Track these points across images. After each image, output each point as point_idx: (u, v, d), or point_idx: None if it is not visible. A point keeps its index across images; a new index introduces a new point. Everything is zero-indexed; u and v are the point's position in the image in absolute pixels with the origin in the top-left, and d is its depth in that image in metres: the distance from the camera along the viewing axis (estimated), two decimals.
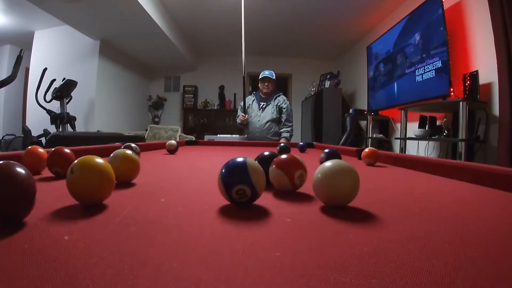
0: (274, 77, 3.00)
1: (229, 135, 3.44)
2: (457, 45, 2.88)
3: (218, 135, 3.53)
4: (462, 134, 2.43)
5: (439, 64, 2.82)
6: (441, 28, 2.76)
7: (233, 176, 0.42)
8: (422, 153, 3.34)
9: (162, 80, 7.11)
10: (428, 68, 3.00)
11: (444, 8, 2.77)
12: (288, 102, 3.00)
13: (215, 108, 6.79)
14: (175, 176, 0.80)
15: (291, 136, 2.95)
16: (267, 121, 2.91)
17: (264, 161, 0.58)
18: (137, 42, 5.05)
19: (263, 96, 3.02)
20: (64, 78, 4.22)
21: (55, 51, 5.07)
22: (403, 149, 3.36)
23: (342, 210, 0.44)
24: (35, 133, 3.98)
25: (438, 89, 2.83)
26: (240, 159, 0.44)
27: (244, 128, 3.05)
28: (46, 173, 0.73)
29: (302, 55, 6.59)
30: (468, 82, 2.53)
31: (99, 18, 4.08)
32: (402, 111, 3.30)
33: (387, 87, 3.93)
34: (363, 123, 4.94)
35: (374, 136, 4.16)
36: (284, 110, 2.92)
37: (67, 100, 4.31)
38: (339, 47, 5.99)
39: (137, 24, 4.20)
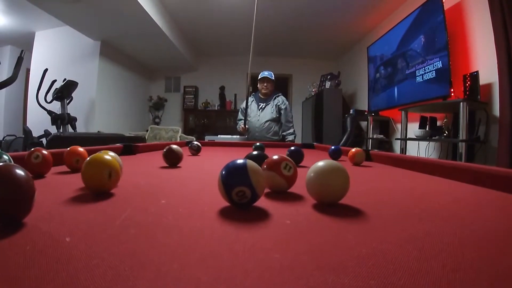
0: (273, 78, 3.00)
1: (230, 136, 3.44)
2: (458, 46, 2.88)
3: (219, 136, 3.53)
4: (462, 134, 2.43)
5: (439, 64, 2.82)
6: (442, 29, 2.76)
7: (233, 177, 0.42)
8: (422, 154, 3.33)
9: (162, 80, 7.12)
10: (428, 68, 3.00)
11: (444, 8, 2.77)
12: (287, 103, 3.00)
13: (216, 108, 6.80)
14: (176, 177, 0.80)
15: (295, 137, 2.96)
16: (266, 121, 2.92)
17: (253, 160, 0.59)
18: (138, 42, 5.05)
19: (262, 97, 3.02)
20: (64, 79, 4.23)
21: (55, 52, 5.08)
22: (403, 149, 3.36)
23: (341, 211, 0.44)
24: (36, 133, 3.99)
25: (439, 89, 2.83)
26: (240, 161, 0.44)
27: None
28: (50, 178, 0.73)
29: (302, 56, 6.59)
30: (469, 83, 2.53)
31: (100, 18, 4.09)
32: (403, 112, 3.30)
33: (388, 88, 3.92)
34: (363, 124, 4.94)
35: (375, 136, 4.16)
36: (283, 110, 2.92)
37: (67, 101, 4.31)
38: (340, 47, 5.98)
39: (137, 25, 4.21)
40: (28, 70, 5.36)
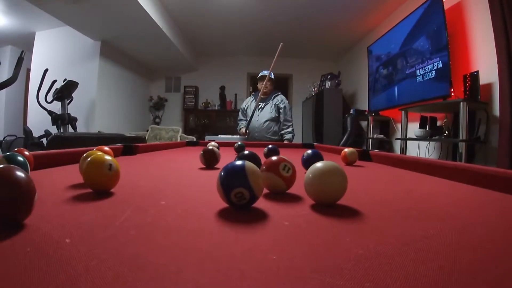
0: (273, 77, 3.01)
1: (230, 136, 3.44)
2: (458, 46, 2.88)
3: (219, 136, 3.54)
4: (462, 134, 2.43)
5: (439, 64, 2.82)
6: (442, 29, 2.76)
7: (232, 179, 0.42)
8: (422, 154, 3.33)
9: (162, 80, 7.12)
10: (428, 68, 3.00)
11: (445, 8, 2.77)
12: (286, 102, 3.00)
13: (216, 108, 6.80)
14: (176, 177, 0.80)
15: (293, 136, 2.96)
16: (266, 121, 2.92)
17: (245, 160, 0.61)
18: (138, 43, 5.06)
19: (261, 96, 3.02)
20: (65, 79, 4.24)
21: (56, 52, 5.08)
22: (403, 149, 3.36)
23: (338, 212, 0.44)
24: (36, 134, 4.00)
25: (439, 89, 2.83)
26: (239, 162, 0.45)
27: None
28: (50, 179, 0.73)
29: (302, 56, 6.59)
30: (469, 83, 2.52)
31: (100, 19, 4.09)
32: (403, 112, 3.30)
33: (388, 88, 3.92)
34: (363, 124, 4.94)
35: (375, 136, 4.16)
36: (282, 109, 2.92)
37: (68, 101, 4.32)
38: (340, 47, 5.98)
39: (137, 25, 4.22)
40: (28, 70, 5.37)
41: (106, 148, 0.93)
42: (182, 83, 7.02)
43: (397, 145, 3.79)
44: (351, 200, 0.50)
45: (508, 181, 0.64)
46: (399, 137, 3.45)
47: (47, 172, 0.80)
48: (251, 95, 3.19)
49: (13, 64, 3.83)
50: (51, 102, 4.27)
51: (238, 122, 3.14)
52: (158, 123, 6.81)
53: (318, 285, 0.21)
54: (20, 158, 0.58)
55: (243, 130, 2.94)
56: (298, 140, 5.69)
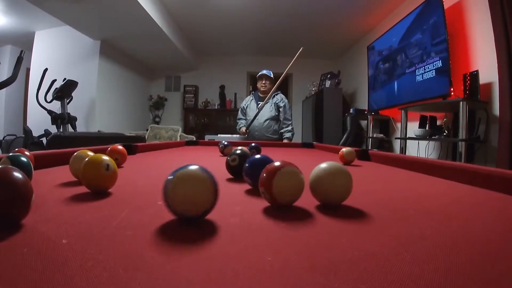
0: (272, 76, 3.00)
1: (230, 135, 3.44)
2: (458, 45, 2.88)
3: (219, 135, 3.54)
4: (462, 134, 2.43)
5: (439, 63, 2.82)
6: (441, 28, 2.76)
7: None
8: (422, 153, 3.33)
9: (162, 80, 7.12)
10: (428, 67, 3.00)
11: (444, 7, 2.77)
12: (286, 100, 3.00)
13: (216, 108, 6.80)
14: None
15: (293, 135, 2.95)
16: (266, 120, 2.92)
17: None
18: (138, 42, 5.06)
19: (261, 95, 3.02)
20: (64, 79, 4.24)
21: (55, 51, 5.08)
22: (403, 149, 3.37)
23: (336, 213, 0.44)
24: (36, 133, 4.00)
25: (439, 88, 2.83)
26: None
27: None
28: (48, 179, 0.74)
29: (302, 55, 6.57)
30: (469, 82, 2.52)
31: (100, 18, 4.09)
32: (403, 111, 3.30)
33: (388, 87, 3.92)
34: (363, 123, 4.94)
35: (375, 135, 4.16)
36: (282, 108, 2.92)
37: (67, 101, 4.32)
38: (340, 46, 5.98)
39: (137, 24, 4.21)
40: (28, 70, 5.37)
41: (120, 147, 0.96)
42: (182, 82, 7.02)
43: (397, 145, 3.79)
44: (348, 200, 0.50)
45: (507, 181, 0.65)
46: (399, 136, 3.45)
47: (46, 172, 0.80)
48: (251, 94, 3.19)
49: (12, 63, 3.83)
50: (51, 101, 4.27)
51: (238, 121, 3.14)
52: (158, 123, 6.81)
53: (312, 286, 0.22)
54: (23, 159, 0.58)
55: (243, 129, 2.94)
56: (297, 139, 5.70)
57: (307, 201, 0.49)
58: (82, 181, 0.53)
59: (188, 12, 4.55)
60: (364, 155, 1.41)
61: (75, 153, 0.66)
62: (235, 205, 0.48)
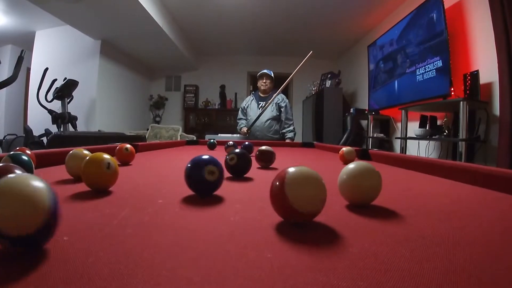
0: (272, 75, 3.01)
1: (230, 135, 3.45)
2: (458, 45, 2.88)
3: (219, 135, 3.54)
4: (462, 134, 2.42)
5: (439, 63, 2.82)
6: (442, 28, 2.76)
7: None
8: (422, 153, 3.33)
9: (163, 79, 7.12)
10: (428, 67, 2.99)
11: (445, 7, 2.77)
12: (287, 100, 3.00)
13: (216, 107, 6.80)
14: (174, 176, 0.80)
15: (295, 135, 2.96)
16: (267, 120, 2.92)
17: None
18: (138, 42, 5.06)
19: (262, 95, 3.02)
20: (65, 78, 4.24)
21: (56, 51, 5.08)
22: (403, 148, 3.36)
23: (335, 211, 0.44)
24: (36, 133, 4.00)
25: (439, 88, 2.83)
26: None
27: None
28: (49, 178, 0.74)
29: (302, 55, 6.56)
30: (469, 82, 2.52)
31: (100, 18, 4.09)
32: (403, 111, 3.30)
33: (388, 87, 3.92)
34: (364, 123, 4.94)
35: (375, 135, 4.16)
36: (283, 108, 2.92)
37: (68, 100, 4.32)
38: (340, 46, 5.98)
39: (138, 24, 4.22)
40: (28, 69, 5.37)
41: (128, 146, 1.01)
42: (182, 82, 7.02)
43: (397, 144, 3.79)
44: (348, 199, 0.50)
45: (507, 181, 0.65)
46: (399, 136, 3.45)
47: (47, 171, 0.80)
48: (251, 94, 3.19)
49: (13, 63, 3.83)
50: (51, 101, 4.27)
51: (238, 121, 3.14)
52: (158, 122, 6.82)
53: (311, 283, 0.22)
54: (24, 157, 0.58)
55: (244, 129, 2.94)
56: (298, 139, 5.70)
57: None
58: (83, 180, 0.53)
59: (188, 12, 4.55)
60: (364, 155, 1.41)
61: (70, 152, 0.67)
62: (235, 203, 0.48)
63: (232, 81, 6.88)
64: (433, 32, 2.91)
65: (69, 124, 4.24)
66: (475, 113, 2.67)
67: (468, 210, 0.49)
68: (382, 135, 4.17)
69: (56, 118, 4.12)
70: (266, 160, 0.99)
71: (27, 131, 3.81)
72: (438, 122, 3.09)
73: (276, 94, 2.84)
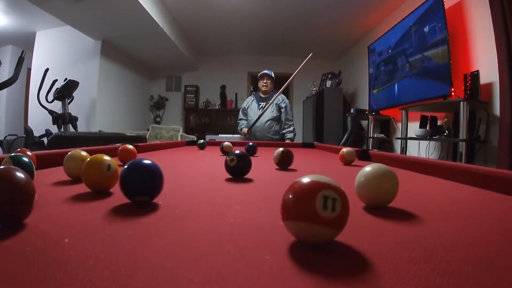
0: (273, 75, 3.01)
1: (231, 135, 3.45)
2: (458, 45, 2.88)
3: (220, 135, 3.54)
4: (462, 134, 2.42)
5: (439, 63, 2.81)
6: (442, 28, 2.76)
7: None
8: (423, 153, 3.33)
9: (163, 80, 7.13)
10: (428, 67, 2.99)
11: (445, 7, 2.77)
12: (287, 101, 3.00)
13: (217, 107, 6.81)
14: (175, 177, 0.80)
15: (295, 135, 2.96)
16: (267, 120, 2.92)
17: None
18: (139, 42, 5.07)
19: (262, 96, 3.02)
20: (65, 79, 4.25)
21: (56, 51, 5.09)
22: (404, 149, 3.36)
23: None
24: (37, 133, 4.01)
25: (439, 89, 2.82)
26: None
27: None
28: (49, 179, 0.74)
29: (303, 55, 6.55)
30: (469, 82, 2.52)
31: (101, 18, 4.10)
32: (403, 111, 3.30)
33: (388, 87, 3.92)
34: (364, 123, 4.94)
35: (375, 135, 4.16)
36: (283, 109, 2.92)
37: (68, 101, 4.33)
38: (340, 46, 5.98)
39: (138, 25, 4.22)
40: (29, 70, 5.38)
41: (130, 146, 1.02)
42: (183, 82, 7.03)
43: (398, 145, 3.79)
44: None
45: (506, 182, 0.65)
46: (400, 136, 3.45)
47: (48, 172, 0.80)
48: (252, 95, 3.19)
49: (14, 63, 3.84)
50: (52, 101, 4.28)
51: (238, 121, 3.14)
52: (158, 122, 6.82)
53: (308, 284, 0.22)
54: (25, 159, 0.59)
55: (245, 130, 2.94)
56: (298, 139, 5.70)
57: None
58: (83, 181, 0.53)
59: (189, 12, 4.55)
60: (364, 155, 1.41)
61: (68, 153, 0.67)
62: (235, 205, 0.48)
63: (233, 81, 6.89)
64: (433, 32, 2.91)
65: (70, 124, 4.25)
66: (475, 113, 2.67)
67: (468, 211, 0.49)
68: (382, 135, 4.17)
69: (57, 118, 4.13)
70: (287, 163, 0.99)
71: (28, 131, 3.82)
72: (439, 123, 3.08)
73: (276, 95, 2.84)
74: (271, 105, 2.91)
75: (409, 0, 3.73)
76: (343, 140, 4.48)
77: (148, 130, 5.79)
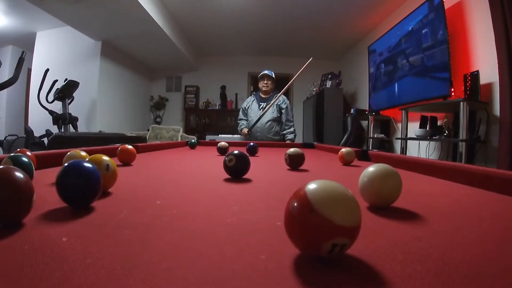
0: (273, 76, 3.01)
1: (231, 135, 3.45)
2: (458, 45, 2.88)
3: (220, 135, 3.54)
4: (462, 134, 2.42)
5: (439, 64, 2.81)
6: (442, 28, 2.76)
7: None
8: (423, 153, 3.33)
9: (163, 80, 7.14)
10: (428, 68, 2.99)
11: (445, 8, 2.76)
12: (288, 102, 3.00)
13: (217, 108, 6.81)
14: (173, 177, 0.81)
15: (295, 136, 2.96)
16: (268, 121, 2.92)
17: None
18: (139, 42, 5.07)
19: (263, 96, 3.02)
20: (66, 79, 4.25)
21: (57, 52, 5.10)
22: (404, 149, 3.36)
23: None
24: (37, 133, 4.02)
25: (439, 89, 2.82)
26: None
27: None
28: (48, 179, 0.74)
29: (303, 55, 6.58)
30: (469, 82, 2.52)
31: (101, 19, 4.11)
32: (403, 111, 3.30)
33: (388, 87, 3.92)
34: (364, 123, 4.94)
35: (375, 136, 4.15)
36: (284, 110, 2.92)
37: (69, 101, 4.34)
38: (341, 47, 5.98)
39: (138, 25, 4.23)
40: (29, 70, 5.39)
41: (129, 147, 1.03)
42: (183, 82, 7.03)
43: (398, 145, 3.79)
44: None
45: (505, 182, 0.65)
46: (400, 136, 3.45)
47: (48, 172, 0.81)
48: (252, 95, 3.19)
49: (14, 63, 3.85)
50: (52, 102, 4.29)
51: (239, 121, 3.14)
52: (159, 123, 6.82)
53: (303, 284, 0.22)
54: (24, 159, 0.59)
55: (245, 130, 2.94)
56: (298, 140, 5.69)
57: None
58: None
59: (189, 12, 4.55)
60: (364, 156, 1.41)
61: (67, 153, 0.67)
62: (233, 205, 0.48)
63: (233, 81, 6.89)
64: (433, 32, 2.91)
65: (70, 125, 4.26)
66: (475, 114, 2.67)
67: (465, 211, 0.49)
68: (382, 135, 4.17)
69: (57, 119, 4.14)
70: (298, 164, 0.99)
71: (28, 132, 3.82)
72: (439, 123, 3.08)
73: (277, 97, 2.84)
74: (272, 106, 2.91)
75: (409, 0, 3.73)
76: (343, 140, 4.48)
77: (148, 130, 5.79)
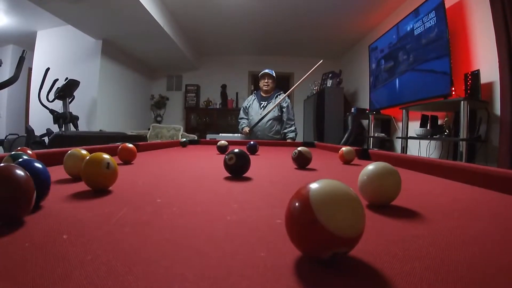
0: (274, 75, 3.00)
1: (231, 134, 3.45)
2: (459, 44, 2.87)
3: (220, 134, 3.55)
4: (463, 133, 2.42)
5: (440, 63, 2.81)
6: (443, 27, 2.75)
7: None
8: (423, 153, 3.33)
9: (164, 79, 7.13)
10: (429, 67, 2.99)
11: (446, 7, 2.76)
12: (289, 101, 3.00)
13: (217, 107, 6.81)
14: (174, 175, 0.81)
15: (296, 135, 2.96)
16: (269, 120, 2.91)
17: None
18: (139, 41, 5.07)
19: (263, 95, 3.02)
20: (66, 78, 4.26)
21: (57, 51, 5.10)
22: (404, 148, 3.36)
23: None
24: (38, 132, 4.02)
25: (440, 88, 2.82)
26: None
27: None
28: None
29: (303, 54, 6.58)
30: (470, 81, 2.52)
31: (101, 18, 4.10)
32: (404, 110, 3.29)
33: (389, 86, 3.92)
34: (365, 122, 4.93)
35: (376, 135, 4.15)
36: (285, 109, 2.92)
37: (69, 100, 4.34)
38: (341, 46, 5.97)
39: (139, 24, 4.22)
40: (30, 69, 5.39)
41: (130, 145, 1.04)
42: (184, 81, 7.03)
43: (398, 144, 3.79)
44: None
45: (505, 181, 0.65)
46: (400, 135, 3.45)
47: (48, 170, 0.81)
48: (253, 94, 3.19)
49: (15, 62, 3.85)
50: (53, 101, 4.29)
51: (239, 120, 3.14)
52: (159, 122, 6.83)
53: (303, 281, 0.22)
54: (25, 157, 0.59)
55: (246, 129, 2.94)
56: (299, 138, 5.68)
57: None
58: (83, 179, 0.54)
59: (189, 11, 4.55)
60: (364, 154, 1.41)
61: (68, 152, 0.68)
62: (233, 203, 0.48)
63: (233, 80, 6.89)
64: (434, 31, 2.90)
65: (71, 124, 4.26)
66: (476, 113, 2.66)
67: (465, 210, 0.49)
68: (383, 134, 4.16)
69: (58, 118, 4.14)
70: (305, 163, 0.99)
71: (29, 131, 3.83)
72: (439, 122, 3.08)
73: (281, 99, 2.83)
74: (273, 104, 2.91)
75: (409, 0, 3.72)
76: (344, 139, 4.47)
77: (149, 129, 5.79)
